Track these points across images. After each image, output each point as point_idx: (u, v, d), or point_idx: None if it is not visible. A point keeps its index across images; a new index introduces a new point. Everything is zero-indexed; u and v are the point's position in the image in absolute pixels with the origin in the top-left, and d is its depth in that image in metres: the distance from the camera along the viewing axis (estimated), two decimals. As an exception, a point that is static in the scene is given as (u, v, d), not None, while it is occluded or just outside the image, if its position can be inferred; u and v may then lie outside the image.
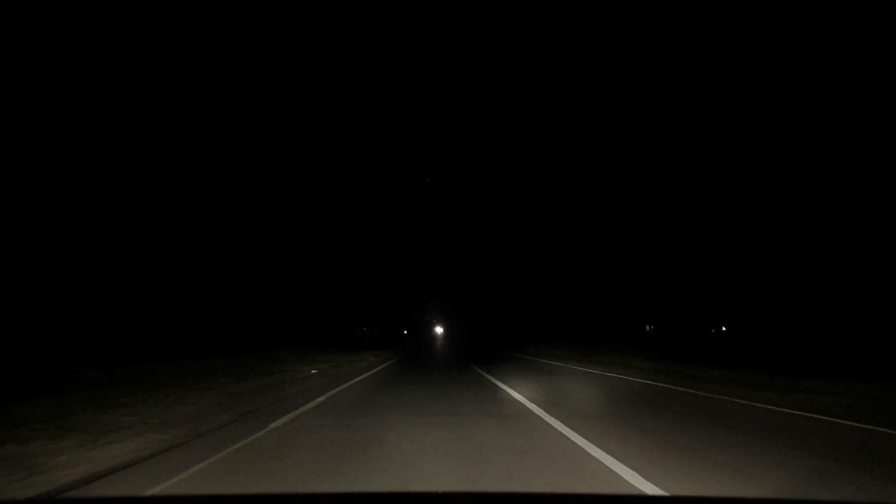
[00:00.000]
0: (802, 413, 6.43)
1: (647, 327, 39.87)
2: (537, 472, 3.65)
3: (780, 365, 12.43)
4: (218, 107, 26.47)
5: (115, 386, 8.80)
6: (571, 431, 5.11)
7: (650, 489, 3.27)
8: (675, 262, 32.29)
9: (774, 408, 6.92)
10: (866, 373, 9.99)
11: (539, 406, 6.93)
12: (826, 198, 23.97)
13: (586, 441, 4.65)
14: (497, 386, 9.88)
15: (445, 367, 16.42)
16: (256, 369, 12.99)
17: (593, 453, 4.21)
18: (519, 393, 8.51)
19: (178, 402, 7.04)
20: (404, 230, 53.84)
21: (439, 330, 61.16)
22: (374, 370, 15.22)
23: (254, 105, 33.83)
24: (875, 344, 16.99)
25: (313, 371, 13.40)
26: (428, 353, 27.53)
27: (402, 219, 54.15)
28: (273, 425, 5.62)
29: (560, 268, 41.71)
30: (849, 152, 23.18)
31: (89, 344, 15.83)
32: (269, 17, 33.99)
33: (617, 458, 4.02)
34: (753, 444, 4.65)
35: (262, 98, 35.91)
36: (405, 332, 56.38)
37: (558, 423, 5.61)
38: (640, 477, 3.51)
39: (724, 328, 38.00)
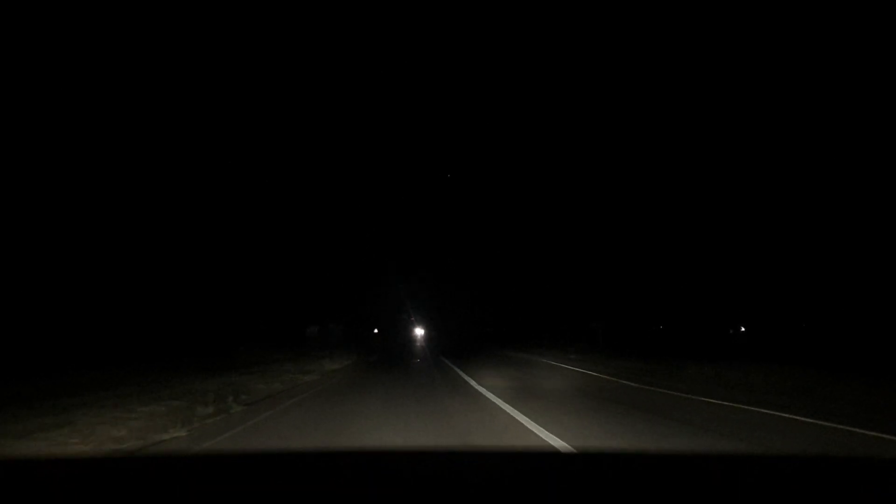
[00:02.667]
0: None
1: (660, 327, 37.91)
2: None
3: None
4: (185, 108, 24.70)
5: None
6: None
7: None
8: (688, 263, 31.39)
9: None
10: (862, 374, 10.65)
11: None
12: (857, 190, 23.18)
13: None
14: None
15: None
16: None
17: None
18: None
19: None
20: (382, 221, 49.79)
21: (419, 332, 53.85)
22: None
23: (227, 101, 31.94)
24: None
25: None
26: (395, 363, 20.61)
27: (382, 210, 50.25)
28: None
29: (564, 268, 40.00)
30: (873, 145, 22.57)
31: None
32: (287, 12, 32.35)
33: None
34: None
35: (242, 94, 34.04)
36: (375, 330, 52.07)
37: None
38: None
39: (742, 328, 36.14)
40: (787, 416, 7.09)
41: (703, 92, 30.69)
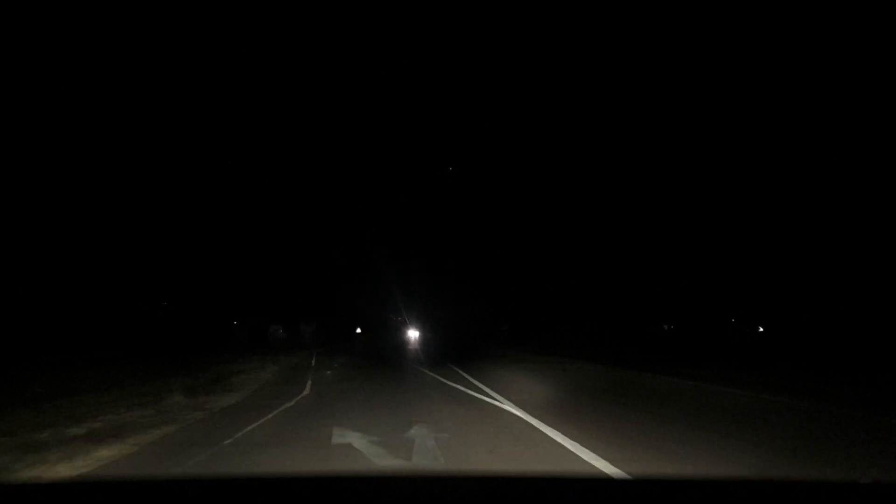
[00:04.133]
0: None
1: (666, 327, 38.47)
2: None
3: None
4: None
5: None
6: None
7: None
8: (699, 259, 30.65)
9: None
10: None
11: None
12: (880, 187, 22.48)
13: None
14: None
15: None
16: None
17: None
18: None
19: None
20: (377, 217, 46.93)
21: (414, 333, 48.47)
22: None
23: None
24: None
25: None
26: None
27: (376, 206, 47.53)
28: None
29: (568, 265, 37.80)
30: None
31: None
32: (286, 10, 30.69)
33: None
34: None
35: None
36: (358, 330, 48.79)
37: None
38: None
39: (760, 328, 33.28)
40: None
41: (713, 85, 30.71)
